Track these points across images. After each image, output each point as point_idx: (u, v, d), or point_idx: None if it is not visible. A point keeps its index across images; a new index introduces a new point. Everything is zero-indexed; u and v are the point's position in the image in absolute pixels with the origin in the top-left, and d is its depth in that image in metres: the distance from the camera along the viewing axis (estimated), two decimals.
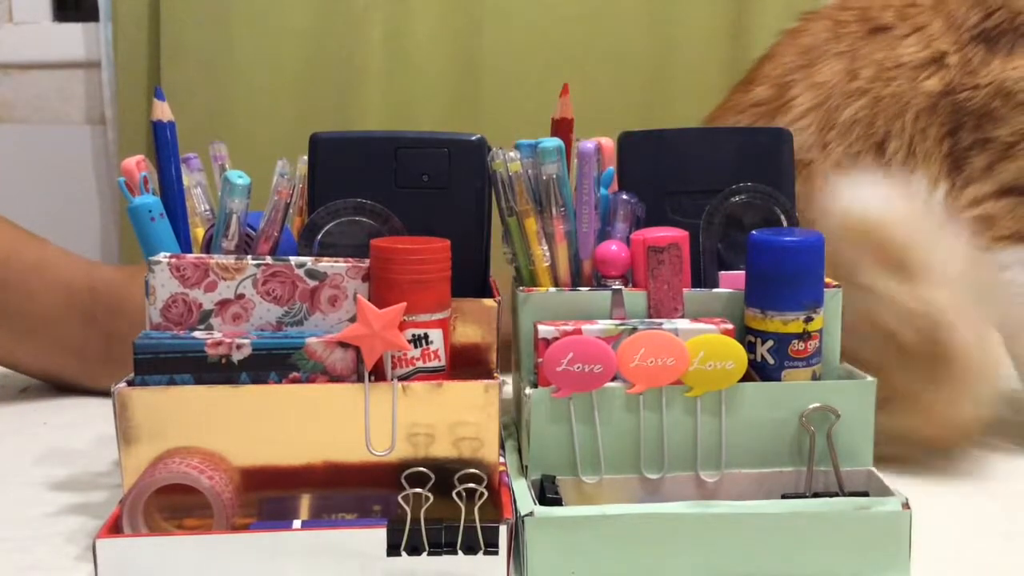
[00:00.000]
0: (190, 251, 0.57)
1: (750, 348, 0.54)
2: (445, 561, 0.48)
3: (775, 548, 0.49)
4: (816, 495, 0.53)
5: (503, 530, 0.48)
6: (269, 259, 0.53)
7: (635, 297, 0.55)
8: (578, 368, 0.52)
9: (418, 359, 0.51)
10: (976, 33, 0.68)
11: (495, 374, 0.54)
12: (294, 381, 0.51)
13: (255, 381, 0.51)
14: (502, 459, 0.54)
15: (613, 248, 0.56)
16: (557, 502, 0.51)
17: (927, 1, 0.71)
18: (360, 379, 0.51)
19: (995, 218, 0.67)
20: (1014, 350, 0.68)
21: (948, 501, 0.61)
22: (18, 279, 0.78)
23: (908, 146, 0.69)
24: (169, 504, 0.50)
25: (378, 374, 0.51)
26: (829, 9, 0.76)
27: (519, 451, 0.57)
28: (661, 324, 0.54)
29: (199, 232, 0.60)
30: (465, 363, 0.54)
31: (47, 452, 0.70)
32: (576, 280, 0.57)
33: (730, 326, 0.54)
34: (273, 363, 0.51)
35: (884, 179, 0.65)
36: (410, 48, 1.23)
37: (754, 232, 0.54)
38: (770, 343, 0.54)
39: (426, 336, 0.51)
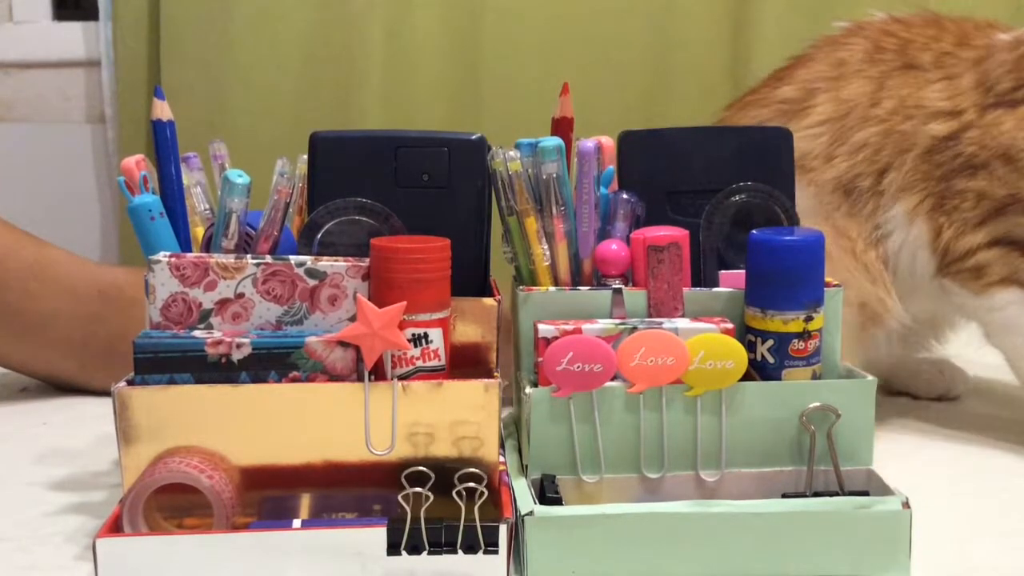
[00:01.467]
0: (190, 250, 0.57)
1: (750, 347, 0.54)
2: (445, 560, 0.48)
3: (775, 547, 0.49)
4: (816, 494, 0.53)
5: (503, 529, 0.48)
6: (269, 258, 0.53)
7: (635, 296, 0.55)
8: (578, 367, 0.52)
9: (418, 358, 0.51)
10: (1003, 100, 0.69)
11: (495, 373, 0.54)
12: (294, 380, 0.51)
13: (255, 380, 0.51)
14: (502, 458, 0.54)
15: (613, 247, 0.56)
16: (557, 501, 0.51)
17: (967, 54, 0.72)
18: (360, 378, 0.51)
19: (987, 266, 0.70)
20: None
21: (948, 500, 0.61)
22: (15, 278, 0.78)
23: (903, 179, 0.71)
24: (169, 503, 0.50)
25: (378, 373, 0.51)
26: (873, 29, 0.76)
27: (519, 450, 0.57)
28: (661, 323, 0.54)
29: (199, 231, 0.60)
30: (465, 362, 0.54)
31: (47, 452, 0.70)
32: (576, 279, 0.57)
33: (730, 325, 0.54)
34: (273, 362, 0.51)
35: None
36: (410, 47, 1.23)
37: (754, 231, 0.54)
38: (770, 342, 0.54)
39: (426, 335, 0.51)
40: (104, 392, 0.72)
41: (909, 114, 0.71)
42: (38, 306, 0.78)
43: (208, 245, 0.56)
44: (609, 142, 0.59)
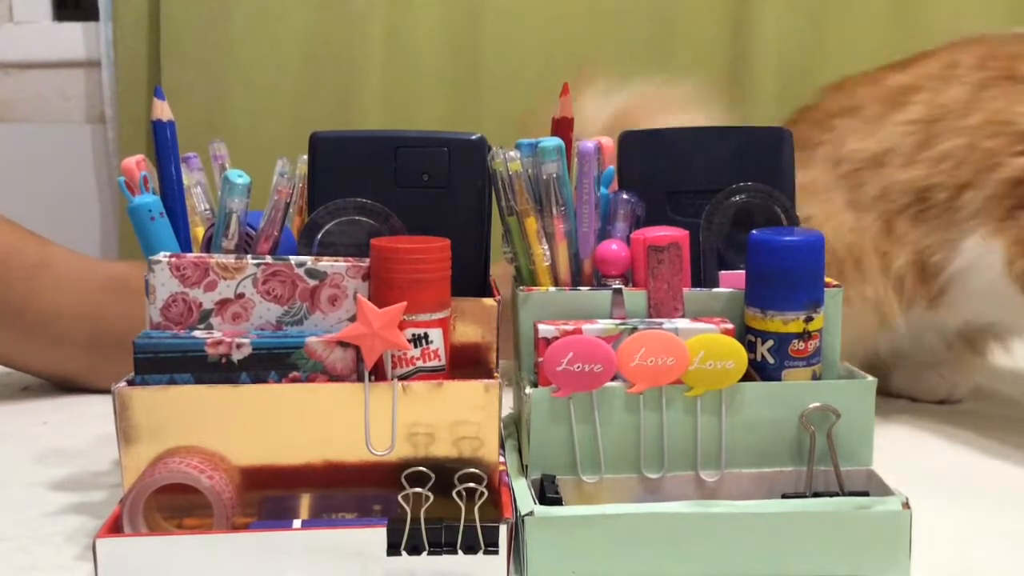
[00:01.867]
0: (190, 250, 0.57)
1: (750, 348, 0.54)
2: (445, 561, 0.48)
3: (775, 548, 0.49)
4: (816, 495, 0.53)
5: (503, 530, 0.48)
6: (269, 258, 0.53)
7: (635, 296, 0.55)
8: (578, 368, 0.52)
9: (418, 359, 0.51)
10: None
11: (495, 374, 0.54)
12: (294, 380, 0.51)
13: (255, 380, 0.51)
14: (502, 459, 0.54)
15: (613, 247, 0.56)
16: (557, 502, 0.51)
17: None
18: (360, 379, 0.51)
19: None
20: None
21: (948, 501, 0.61)
22: (20, 277, 0.78)
23: (982, 202, 0.69)
24: (169, 504, 0.50)
25: (378, 374, 0.51)
26: (993, 40, 0.74)
27: (519, 451, 0.57)
28: (661, 324, 0.54)
29: (199, 231, 0.60)
30: (465, 363, 0.54)
31: (47, 451, 0.70)
32: (576, 279, 0.57)
33: (730, 326, 0.54)
34: (273, 362, 0.51)
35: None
36: (410, 47, 1.23)
37: (754, 231, 0.54)
38: (770, 343, 0.54)
39: (426, 335, 0.51)
40: (108, 389, 0.73)
41: (996, 131, 0.69)
42: (42, 305, 0.78)
43: (208, 245, 0.56)
44: (609, 142, 0.59)
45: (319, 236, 0.55)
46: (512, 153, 0.55)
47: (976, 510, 0.60)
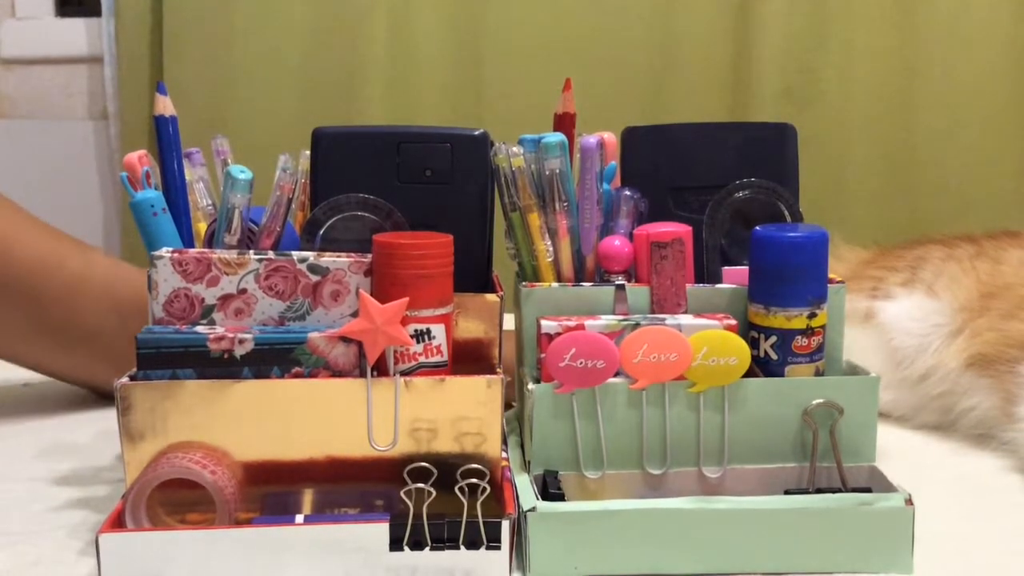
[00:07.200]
0: (192, 246, 0.57)
1: (753, 344, 0.54)
2: (447, 556, 0.48)
3: (778, 544, 0.49)
4: (819, 491, 0.53)
5: (505, 525, 0.48)
6: (271, 254, 0.53)
7: (638, 292, 0.55)
8: (581, 364, 0.51)
9: (420, 354, 0.51)
10: None
11: (498, 369, 0.54)
12: (296, 376, 0.51)
13: (257, 376, 0.51)
14: (504, 454, 0.54)
15: (616, 243, 0.56)
16: (560, 497, 0.51)
17: None
18: (362, 374, 0.51)
19: None
20: None
21: (951, 498, 0.60)
22: (57, 298, 0.75)
23: None
24: (172, 499, 0.50)
25: (380, 369, 0.51)
26: None
27: (522, 446, 0.57)
28: (664, 320, 0.54)
29: (201, 227, 0.60)
30: (467, 358, 0.54)
31: (49, 447, 0.70)
32: (579, 275, 0.57)
33: (733, 322, 0.54)
34: (275, 358, 0.51)
35: None
36: (413, 42, 1.23)
37: (758, 228, 0.54)
38: (773, 339, 0.54)
39: (428, 331, 0.51)
40: None
41: None
42: (84, 321, 0.76)
43: (211, 241, 0.56)
44: (611, 138, 0.59)
45: (321, 232, 0.55)
46: (515, 149, 0.55)
47: (979, 507, 0.59)
